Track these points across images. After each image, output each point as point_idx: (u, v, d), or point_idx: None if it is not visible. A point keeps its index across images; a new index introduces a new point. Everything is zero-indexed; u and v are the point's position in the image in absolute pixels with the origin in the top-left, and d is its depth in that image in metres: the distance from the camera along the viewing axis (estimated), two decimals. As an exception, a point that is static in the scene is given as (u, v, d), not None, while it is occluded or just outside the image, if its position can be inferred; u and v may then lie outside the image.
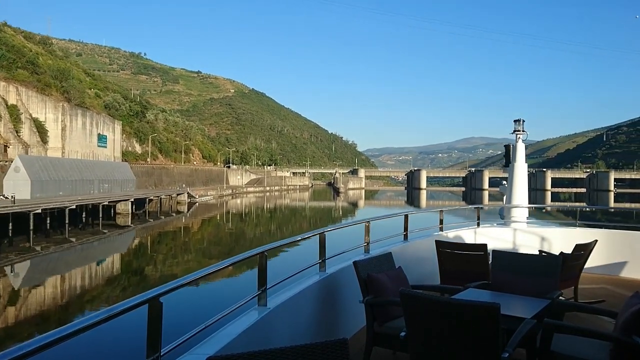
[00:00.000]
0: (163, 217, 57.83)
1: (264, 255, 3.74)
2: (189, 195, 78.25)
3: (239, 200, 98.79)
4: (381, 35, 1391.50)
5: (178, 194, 74.84)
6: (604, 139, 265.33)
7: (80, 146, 65.45)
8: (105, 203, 49.56)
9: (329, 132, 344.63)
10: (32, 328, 16.14)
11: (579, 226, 9.18)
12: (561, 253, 6.57)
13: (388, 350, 4.49)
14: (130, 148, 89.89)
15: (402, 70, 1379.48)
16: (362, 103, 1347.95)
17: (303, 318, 4.44)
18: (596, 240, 7.13)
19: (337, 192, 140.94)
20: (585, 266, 7.05)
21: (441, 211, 8.72)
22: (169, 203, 68.28)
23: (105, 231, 42.44)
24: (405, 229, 7.37)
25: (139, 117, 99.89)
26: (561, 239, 8.68)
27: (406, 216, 7.51)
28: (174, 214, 62.71)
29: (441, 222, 8.50)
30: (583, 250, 6.94)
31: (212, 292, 18.82)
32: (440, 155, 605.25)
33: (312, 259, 4.99)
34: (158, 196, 64.06)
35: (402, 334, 3.48)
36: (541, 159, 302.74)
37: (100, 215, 47.70)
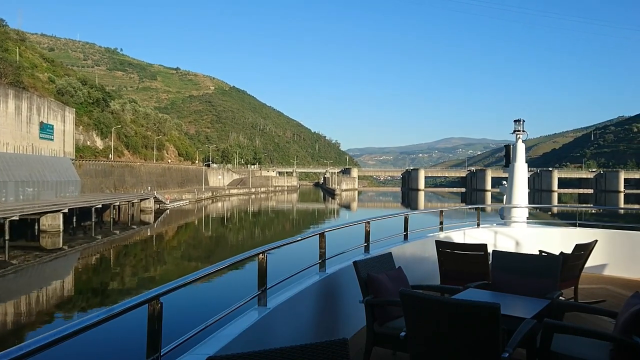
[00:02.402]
0: (118, 232, 44.34)
1: (264, 255, 3.74)
2: (157, 200, 63.21)
3: (220, 204, 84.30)
4: (361, 35, 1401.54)
5: (142, 199, 59.59)
6: (592, 139, 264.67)
7: (13, 137, 49.62)
8: (14, 217, 33.33)
9: (312, 131, 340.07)
10: None
11: (579, 226, 9.18)
12: (561, 253, 6.57)
13: (388, 350, 4.50)
14: (89, 142, 74.74)
15: (383, 71, 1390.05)
16: (343, 103, 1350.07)
17: (303, 318, 4.44)
18: (596, 240, 7.13)
19: (330, 193, 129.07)
20: (585, 266, 7.05)
21: (441, 211, 8.73)
22: (130, 211, 55.22)
23: (13, 262, 28.53)
24: (405, 229, 7.37)
25: (100, 107, 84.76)
26: (561, 239, 8.68)
27: (406, 216, 7.52)
28: (135, 227, 48.87)
29: (441, 222, 8.50)
30: (583, 250, 6.94)
31: (212, 292, 18.85)
32: (420, 155, 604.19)
33: (312, 259, 4.99)
34: (112, 203, 49.70)
35: (402, 334, 3.48)
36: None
37: (7, 237, 32.32)
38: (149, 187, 72.87)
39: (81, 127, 72.80)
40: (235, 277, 20.41)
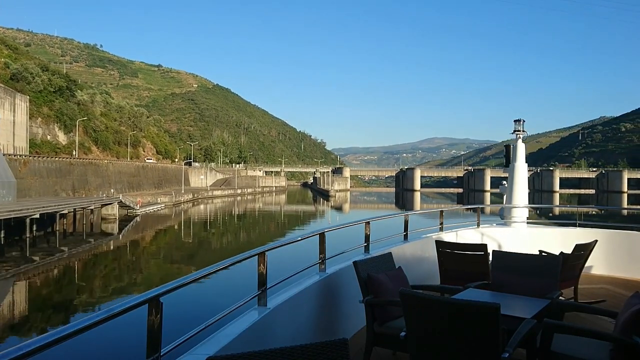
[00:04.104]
0: (67, 248, 34.58)
1: (264, 255, 3.74)
2: (123, 205, 52.93)
3: (202, 207, 75.54)
4: (345, 36, 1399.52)
5: (103, 205, 49.37)
6: (580, 138, 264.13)
7: None
8: None
9: (297, 130, 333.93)
10: None
11: (579, 226, 9.18)
12: (561, 253, 6.56)
13: (388, 350, 4.50)
14: (49, 136, 65.77)
15: (367, 71, 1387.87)
16: (327, 103, 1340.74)
17: (303, 318, 4.44)
18: (596, 240, 7.14)
19: (324, 194, 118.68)
20: (585, 266, 7.06)
21: (441, 211, 8.73)
22: (90, 219, 45.79)
23: None
24: (405, 229, 7.37)
25: (64, 96, 74.38)
26: (561, 239, 8.68)
27: (406, 216, 7.53)
28: (91, 240, 39.16)
29: (441, 222, 8.51)
30: (583, 250, 6.94)
31: (212, 292, 18.84)
32: (404, 155, 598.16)
33: (312, 259, 4.99)
34: (58, 211, 39.15)
35: (402, 334, 3.48)
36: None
37: None
38: (112, 190, 61.51)
39: (40, 119, 63.81)
40: (235, 277, 20.37)
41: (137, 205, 56.64)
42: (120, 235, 42.69)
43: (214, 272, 3.15)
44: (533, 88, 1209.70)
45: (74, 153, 66.16)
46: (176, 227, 52.63)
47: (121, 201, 52.68)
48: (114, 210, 50.62)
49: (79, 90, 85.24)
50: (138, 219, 53.13)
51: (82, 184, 59.90)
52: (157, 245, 40.19)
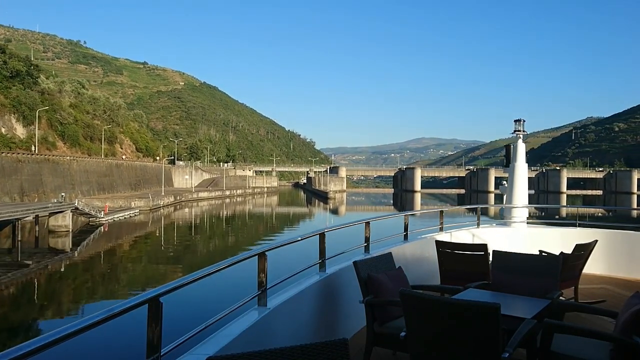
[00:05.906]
0: None
1: (264, 255, 3.75)
2: (81, 213, 43.63)
3: (186, 211, 68.45)
4: (333, 36, 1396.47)
5: (51, 213, 39.24)
6: (572, 138, 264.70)
7: None
8: None
9: (287, 129, 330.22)
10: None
11: (579, 226, 9.18)
12: (561, 253, 6.56)
13: (388, 350, 4.50)
14: (4, 129, 57.14)
15: (356, 71, 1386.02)
16: (315, 102, 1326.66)
17: (303, 318, 4.44)
18: (596, 240, 7.14)
19: (321, 196, 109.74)
20: (586, 266, 7.06)
21: (441, 211, 8.74)
22: (34, 232, 37.80)
23: None
24: (405, 229, 7.38)
25: (25, 83, 64.46)
26: (561, 239, 8.68)
27: (406, 216, 7.53)
28: (30, 262, 30.02)
29: (441, 222, 8.51)
30: (583, 250, 6.94)
31: (212, 292, 18.84)
32: (392, 155, 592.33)
33: (312, 259, 4.99)
34: None
35: (402, 334, 3.49)
36: (496, 158, 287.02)
37: None
38: (63, 194, 49.48)
39: (-10, 107, 56.08)
40: (235, 277, 20.31)
41: (102, 212, 47.51)
42: (76, 252, 34.06)
43: (214, 272, 3.15)
44: (520, 89, 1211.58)
45: (33, 149, 57.54)
46: (150, 238, 44.22)
47: (77, 208, 42.48)
48: (65, 221, 40.20)
49: (43, 77, 74.64)
50: (103, 228, 44.56)
51: (34, 186, 50.38)
52: (122, 269, 31.09)
